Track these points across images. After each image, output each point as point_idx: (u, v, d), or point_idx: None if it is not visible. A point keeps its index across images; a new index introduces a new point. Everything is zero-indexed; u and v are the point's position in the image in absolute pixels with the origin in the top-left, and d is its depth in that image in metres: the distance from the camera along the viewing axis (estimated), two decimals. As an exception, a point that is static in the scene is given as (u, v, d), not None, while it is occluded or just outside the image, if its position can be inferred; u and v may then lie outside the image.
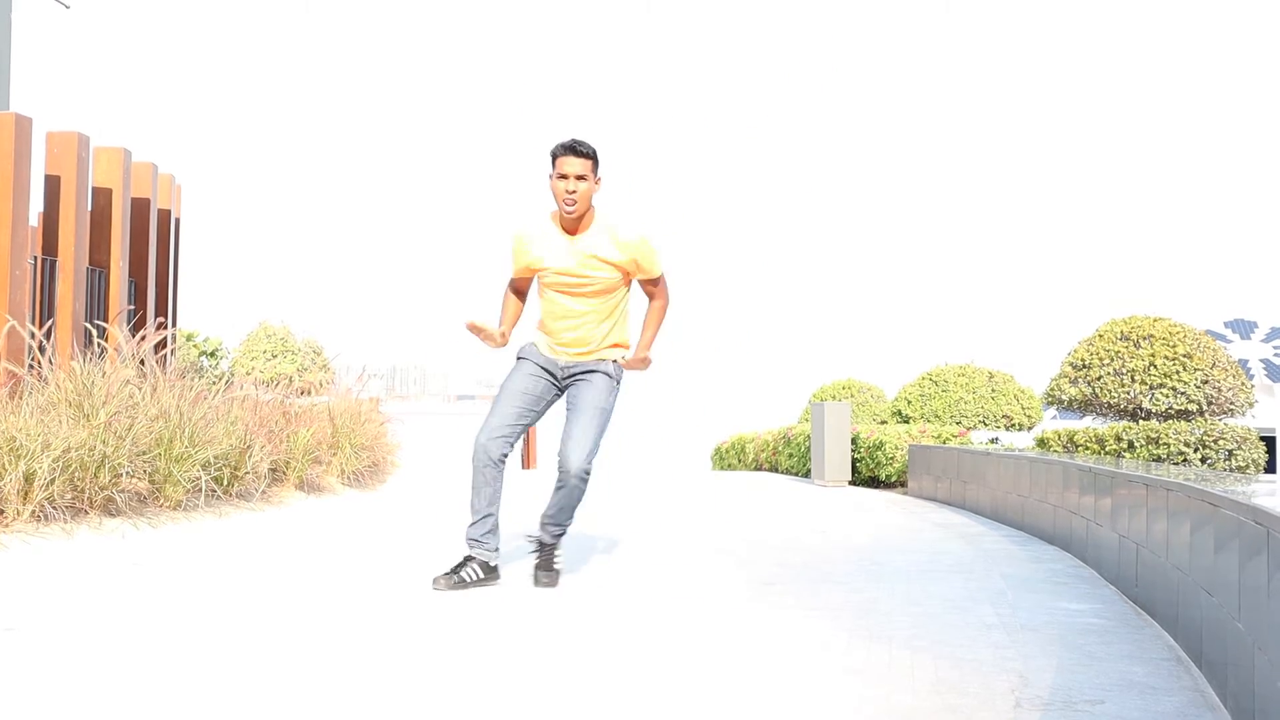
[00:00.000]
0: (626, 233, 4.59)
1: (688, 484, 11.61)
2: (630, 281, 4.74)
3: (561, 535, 4.84)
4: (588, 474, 4.59)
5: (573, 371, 4.73)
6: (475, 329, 4.71)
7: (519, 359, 4.81)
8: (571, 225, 4.59)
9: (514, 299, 4.90)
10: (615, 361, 4.76)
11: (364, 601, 4.40)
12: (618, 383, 4.75)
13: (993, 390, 14.76)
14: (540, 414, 4.82)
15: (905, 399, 15.06)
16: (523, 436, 4.84)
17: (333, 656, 3.44)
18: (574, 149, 4.48)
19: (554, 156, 4.53)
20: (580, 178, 4.48)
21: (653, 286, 4.77)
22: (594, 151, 4.53)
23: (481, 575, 4.65)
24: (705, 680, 3.22)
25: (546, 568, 4.80)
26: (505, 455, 4.63)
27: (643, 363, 4.80)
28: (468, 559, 4.66)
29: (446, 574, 4.64)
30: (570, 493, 4.61)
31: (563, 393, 4.79)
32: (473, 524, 4.66)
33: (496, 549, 4.71)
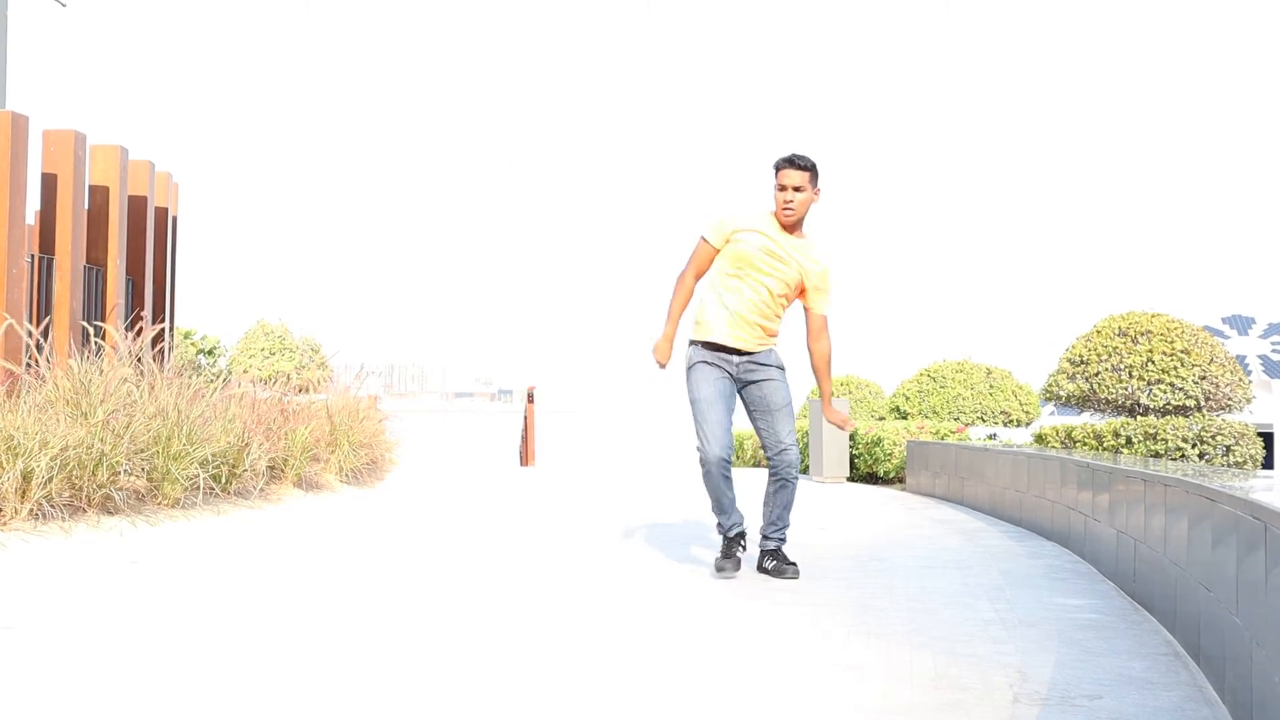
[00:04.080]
0: (822, 254, 4.92)
1: (687, 480, 11.61)
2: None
3: (785, 535, 5.06)
4: (797, 466, 5.02)
5: (748, 366, 4.92)
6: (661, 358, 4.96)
7: (697, 364, 4.93)
8: (787, 227, 4.86)
9: (690, 281, 4.98)
10: (774, 352, 5.01)
11: (363, 599, 4.40)
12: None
13: (991, 386, 14.76)
14: (733, 409, 5.03)
15: (903, 395, 15.07)
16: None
17: (333, 655, 3.44)
18: (792, 162, 4.78)
19: (776, 169, 4.83)
20: (798, 189, 4.78)
21: (819, 321, 4.98)
22: (813, 165, 4.82)
23: (746, 546, 5.09)
24: (704, 676, 3.22)
25: (786, 560, 4.99)
26: (731, 456, 4.95)
27: (841, 420, 5.11)
28: (741, 534, 5.04)
29: (725, 558, 4.99)
30: (791, 491, 5.04)
31: (739, 386, 4.98)
32: (731, 519, 5.01)
33: (742, 520, 5.08)
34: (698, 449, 4.88)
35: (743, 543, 5.05)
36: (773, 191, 4.85)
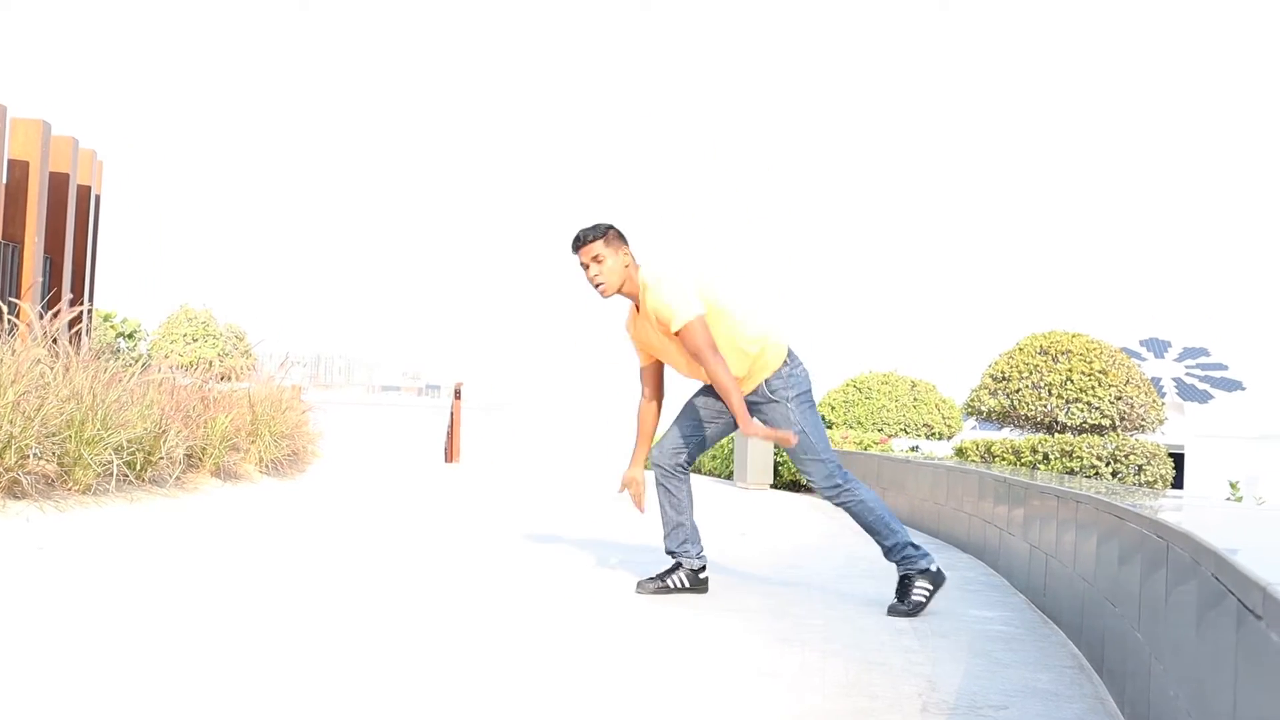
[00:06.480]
0: (650, 292, 4.37)
1: (611, 485, 11.61)
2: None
3: (900, 553, 4.42)
4: (840, 485, 4.46)
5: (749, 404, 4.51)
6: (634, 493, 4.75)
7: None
8: (636, 301, 4.47)
9: (648, 405, 4.73)
10: (773, 376, 4.49)
11: (273, 593, 4.34)
12: (797, 395, 4.49)
13: (915, 399, 14.99)
14: (723, 428, 4.67)
15: (829, 405, 15.23)
16: (691, 447, 4.68)
17: (239, 646, 3.38)
18: (577, 240, 4.36)
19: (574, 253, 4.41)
20: (597, 258, 4.33)
21: (685, 341, 4.33)
22: (596, 232, 4.34)
23: (687, 584, 4.63)
24: (618, 682, 3.22)
25: (902, 596, 4.41)
26: (683, 465, 4.65)
27: (763, 434, 4.41)
28: (676, 565, 4.65)
29: (652, 578, 4.65)
30: (850, 510, 4.47)
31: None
32: (667, 535, 4.65)
33: (700, 554, 4.65)
34: None
35: (679, 575, 4.62)
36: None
